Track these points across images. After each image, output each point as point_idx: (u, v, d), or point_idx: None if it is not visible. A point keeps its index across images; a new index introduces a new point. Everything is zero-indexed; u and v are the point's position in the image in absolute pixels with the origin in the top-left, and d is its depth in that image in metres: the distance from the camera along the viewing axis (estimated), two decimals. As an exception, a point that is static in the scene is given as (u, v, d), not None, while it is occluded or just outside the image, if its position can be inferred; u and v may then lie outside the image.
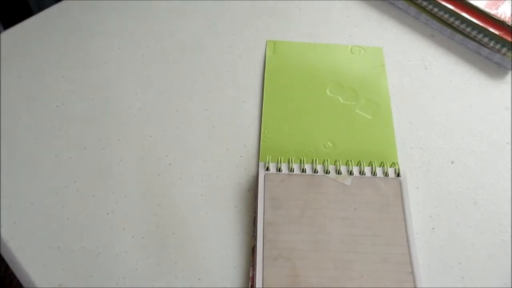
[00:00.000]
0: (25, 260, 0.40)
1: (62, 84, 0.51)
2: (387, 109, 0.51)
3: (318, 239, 0.41)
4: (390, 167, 0.44)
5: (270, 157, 0.46)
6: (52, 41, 0.55)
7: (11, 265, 0.41)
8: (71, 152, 0.46)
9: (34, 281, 0.39)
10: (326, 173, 0.44)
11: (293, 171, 0.44)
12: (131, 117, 0.49)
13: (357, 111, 0.50)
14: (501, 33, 0.53)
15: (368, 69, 0.54)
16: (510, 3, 0.54)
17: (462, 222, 0.43)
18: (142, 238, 0.42)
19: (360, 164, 0.44)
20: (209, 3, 0.60)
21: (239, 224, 0.43)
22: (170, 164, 0.46)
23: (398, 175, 0.44)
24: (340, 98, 0.51)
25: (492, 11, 0.54)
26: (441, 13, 0.56)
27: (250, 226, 0.43)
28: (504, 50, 0.53)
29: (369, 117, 0.50)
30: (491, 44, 0.54)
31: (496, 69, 0.54)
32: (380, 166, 0.44)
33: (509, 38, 0.53)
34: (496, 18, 0.53)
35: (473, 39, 0.55)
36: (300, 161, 0.45)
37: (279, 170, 0.44)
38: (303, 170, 0.44)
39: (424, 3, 0.57)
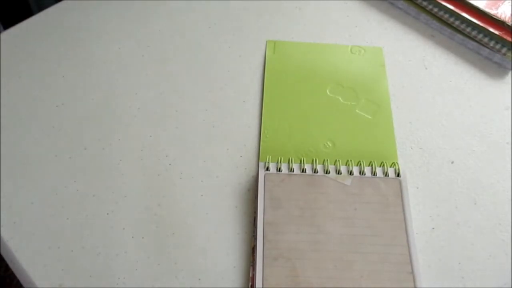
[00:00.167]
0: (25, 260, 0.40)
1: (62, 84, 0.51)
2: (387, 109, 0.51)
3: (318, 239, 0.41)
4: (390, 167, 0.44)
5: (270, 157, 0.46)
6: (52, 41, 0.55)
7: (11, 265, 0.41)
8: (71, 152, 0.46)
9: (34, 281, 0.39)
10: (326, 173, 0.44)
11: (293, 171, 0.44)
12: (131, 117, 0.49)
13: (357, 111, 0.50)
14: (501, 33, 0.53)
15: (368, 69, 0.54)
16: (510, 3, 0.54)
17: (462, 222, 0.43)
18: (142, 238, 0.42)
19: (360, 164, 0.44)
20: (209, 3, 0.60)
21: (239, 224, 0.43)
22: (170, 164, 0.46)
23: (398, 175, 0.44)
24: (340, 98, 0.51)
25: (492, 11, 0.54)
26: (441, 13, 0.56)
27: (250, 226, 0.43)
28: (504, 50, 0.53)
29: (369, 117, 0.50)
30: (491, 44, 0.54)
31: (496, 69, 0.54)
32: (380, 166, 0.44)
33: (509, 38, 0.53)
34: (496, 18, 0.53)
35: (473, 39, 0.55)
36: (300, 161, 0.45)
37: (279, 170, 0.44)
38: (303, 170, 0.44)
39: (424, 3, 0.57)
